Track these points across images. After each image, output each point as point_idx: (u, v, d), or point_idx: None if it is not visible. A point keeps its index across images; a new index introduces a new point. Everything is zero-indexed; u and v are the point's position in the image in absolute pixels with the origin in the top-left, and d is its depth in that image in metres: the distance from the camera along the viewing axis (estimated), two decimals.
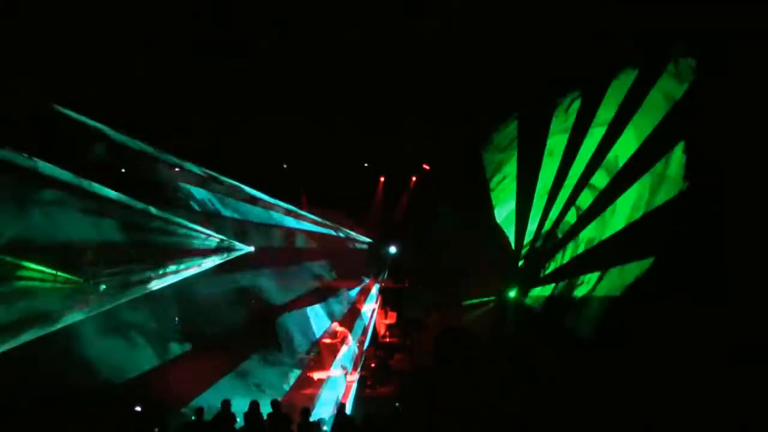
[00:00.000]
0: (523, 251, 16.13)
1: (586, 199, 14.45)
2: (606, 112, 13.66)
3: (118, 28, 11.48)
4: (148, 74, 12.21)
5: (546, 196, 15.44)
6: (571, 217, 15.00)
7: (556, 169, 15.07)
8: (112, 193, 12.81)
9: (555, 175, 15.09)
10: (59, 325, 11.91)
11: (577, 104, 14.48)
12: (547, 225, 15.61)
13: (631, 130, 13.04)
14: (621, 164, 13.32)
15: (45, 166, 11.53)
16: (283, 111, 14.44)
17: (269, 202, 17.13)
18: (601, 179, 13.97)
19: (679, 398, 9.21)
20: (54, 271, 12.16)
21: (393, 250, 19.17)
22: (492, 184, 16.71)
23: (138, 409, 10.50)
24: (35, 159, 11.35)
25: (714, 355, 9.17)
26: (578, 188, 14.58)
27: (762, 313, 9.04)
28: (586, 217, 14.35)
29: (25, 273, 11.76)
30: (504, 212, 16.57)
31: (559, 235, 15.32)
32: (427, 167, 18.66)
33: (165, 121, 13.11)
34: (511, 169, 16.22)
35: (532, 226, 15.92)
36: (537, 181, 15.52)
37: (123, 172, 13.89)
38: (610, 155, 13.62)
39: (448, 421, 10.33)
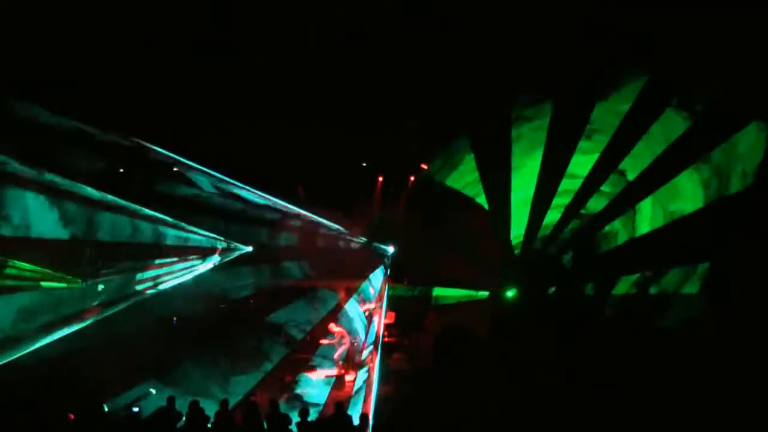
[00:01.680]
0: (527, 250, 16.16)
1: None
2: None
3: (117, 27, 11.40)
4: (146, 74, 12.13)
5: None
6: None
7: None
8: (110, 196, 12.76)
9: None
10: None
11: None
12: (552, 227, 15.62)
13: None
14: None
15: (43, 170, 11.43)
16: (282, 111, 14.40)
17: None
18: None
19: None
20: (50, 272, 12.05)
21: (391, 249, 19.15)
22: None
23: (135, 409, 10.44)
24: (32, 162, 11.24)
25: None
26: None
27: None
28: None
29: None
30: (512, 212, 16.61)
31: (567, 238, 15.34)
32: (425, 167, 18.62)
33: (164, 122, 13.03)
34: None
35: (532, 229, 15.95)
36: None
37: (121, 173, 13.83)
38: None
39: (447, 420, 10.30)
